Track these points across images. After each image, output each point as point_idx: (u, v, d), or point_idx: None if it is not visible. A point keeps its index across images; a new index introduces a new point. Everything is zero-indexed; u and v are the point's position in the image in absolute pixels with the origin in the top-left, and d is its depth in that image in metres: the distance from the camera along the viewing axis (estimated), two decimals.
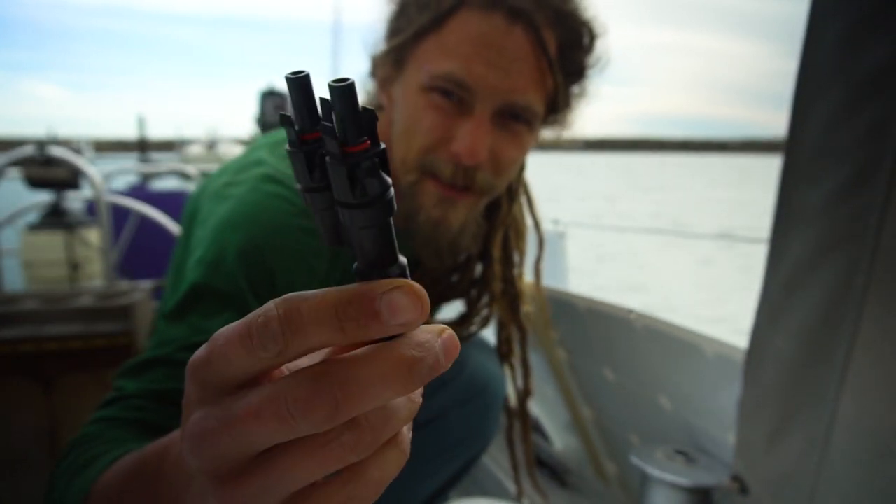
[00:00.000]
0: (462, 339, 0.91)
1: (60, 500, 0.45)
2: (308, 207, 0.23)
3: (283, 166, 0.65)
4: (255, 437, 0.22)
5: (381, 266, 0.23)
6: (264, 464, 0.23)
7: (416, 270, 0.79)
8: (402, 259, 0.23)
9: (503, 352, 0.92)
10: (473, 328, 0.90)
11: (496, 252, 0.82)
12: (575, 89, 0.72)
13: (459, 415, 0.88)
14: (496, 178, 0.69)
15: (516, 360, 0.91)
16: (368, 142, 0.21)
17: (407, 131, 0.66)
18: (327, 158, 0.21)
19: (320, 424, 0.21)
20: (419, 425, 0.86)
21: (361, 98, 0.76)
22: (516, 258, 0.86)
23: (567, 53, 0.68)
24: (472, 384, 0.88)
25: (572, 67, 0.69)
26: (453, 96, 0.64)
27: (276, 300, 0.23)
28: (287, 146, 0.22)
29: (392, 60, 0.67)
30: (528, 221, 0.88)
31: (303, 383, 0.21)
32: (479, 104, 0.64)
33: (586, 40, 0.69)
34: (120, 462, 0.41)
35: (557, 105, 0.71)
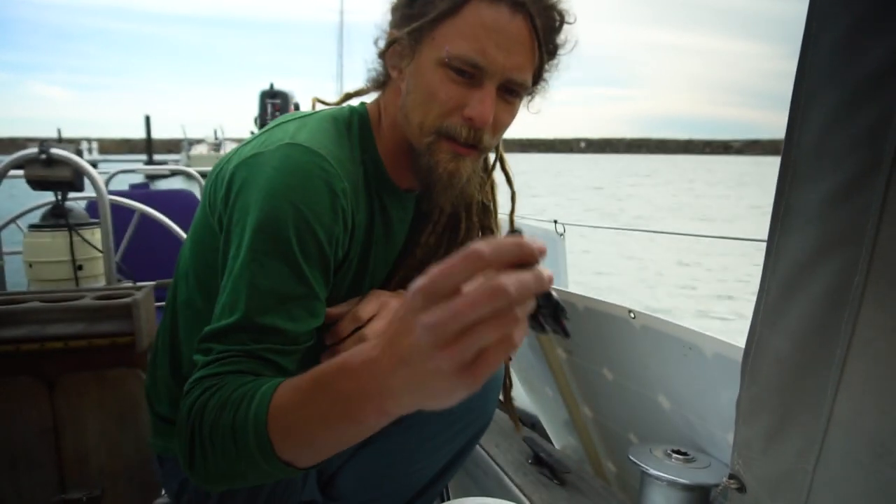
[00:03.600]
0: None
1: (235, 429, 0.57)
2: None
3: (303, 136, 0.75)
4: (468, 317, 0.40)
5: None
6: (468, 334, 0.40)
7: (439, 216, 0.93)
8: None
9: None
10: None
11: (486, 198, 0.97)
12: (548, 66, 0.85)
13: None
14: (493, 139, 0.82)
15: None
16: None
17: (424, 100, 0.78)
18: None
19: (504, 302, 0.39)
20: None
21: (366, 78, 0.89)
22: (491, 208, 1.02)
23: (547, 37, 0.81)
24: None
25: (550, 48, 0.83)
26: (466, 73, 0.76)
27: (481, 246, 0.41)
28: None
29: (409, 40, 0.79)
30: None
31: (494, 284, 0.39)
32: (487, 79, 0.76)
33: (559, 25, 0.83)
34: (284, 386, 0.56)
35: (538, 79, 0.84)
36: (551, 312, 0.46)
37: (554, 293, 0.45)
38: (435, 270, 0.41)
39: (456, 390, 0.44)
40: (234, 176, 0.75)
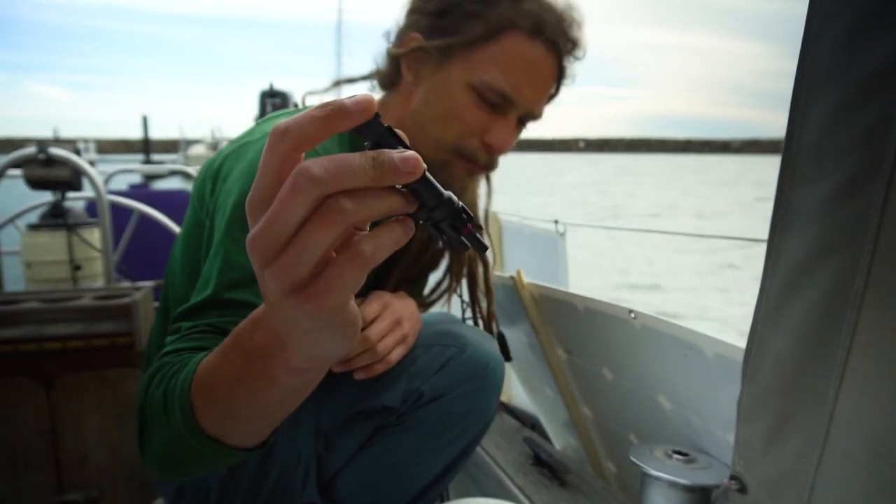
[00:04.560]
0: (446, 291, 1.04)
1: (166, 398, 0.52)
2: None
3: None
4: (282, 219, 0.32)
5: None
6: (291, 243, 0.33)
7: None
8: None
9: (471, 283, 1.08)
10: (455, 284, 1.06)
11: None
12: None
13: (463, 393, 0.91)
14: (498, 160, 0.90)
15: (482, 290, 1.08)
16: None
17: (446, 117, 0.80)
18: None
19: (313, 188, 0.31)
20: (426, 402, 0.90)
21: (371, 70, 0.87)
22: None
23: (564, 74, 0.86)
24: (473, 364, 0.91)
25: (562, 83, 0.87)
26: (493, 102, 0.79)
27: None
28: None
29: (437, 52, 0.79)
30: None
31: (295, 170, 0.31)
32: (512, 111, 0.81)
33: (572, 62, 0.86)
34: (211, 352, 0.50)
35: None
36: (450, 222, 0.34)
37: (453, 197, 0.34)
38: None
39: (302, 321, 0.35)
40: (221, 167, 0.76)
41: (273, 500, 0.89)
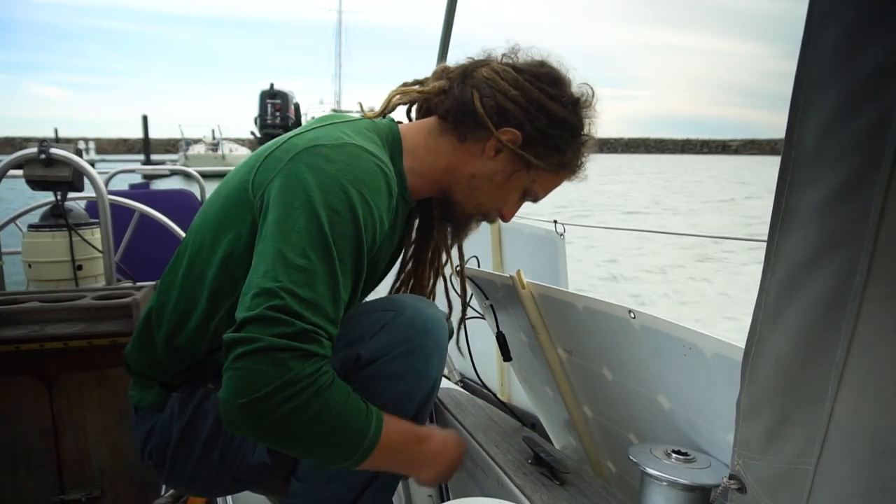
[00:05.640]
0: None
1: (357, 431, 0.81)
2: None
3: (361, 140, 0.87)
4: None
5: None
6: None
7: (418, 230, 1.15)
8: None
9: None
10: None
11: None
12: None
13: (400, 353, 0.95)
14: None
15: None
16: None
17: (499, 197, 1.01)
18: None
19: None
20: (364, 365, 0.94)
21: (451, 110, 1.01)
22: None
23: None
24: (410, 325, 0.96)
25: None
26: (526, 197, 1.04)
27: None
28: None
29: (523, 160, 0.96)
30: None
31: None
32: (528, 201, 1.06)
33: None
34: (392, 422, 0.87)
35: None
36: None
37: None
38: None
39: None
40: (296, 157, 0.83)
41: (227, 454, 0.95)
